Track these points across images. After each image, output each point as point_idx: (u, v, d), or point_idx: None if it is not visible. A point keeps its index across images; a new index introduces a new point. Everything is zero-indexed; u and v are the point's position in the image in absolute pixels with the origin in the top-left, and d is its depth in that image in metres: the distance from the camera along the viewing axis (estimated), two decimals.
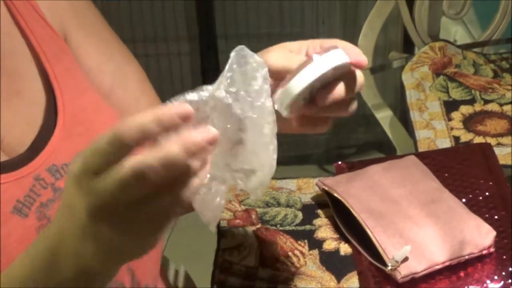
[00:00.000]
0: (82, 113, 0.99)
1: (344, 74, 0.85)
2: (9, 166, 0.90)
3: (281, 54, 0.87)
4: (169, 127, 0.65)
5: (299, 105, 0.85)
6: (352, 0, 2.71)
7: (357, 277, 1.07)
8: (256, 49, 0.84)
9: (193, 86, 0.72)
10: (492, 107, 1.56)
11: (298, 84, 0.81)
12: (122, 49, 1.13)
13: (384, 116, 2.00)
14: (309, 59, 0.83)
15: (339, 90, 0.85)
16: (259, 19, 2.76)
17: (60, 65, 0.99)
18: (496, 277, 1.04)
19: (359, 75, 0.86)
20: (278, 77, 0.85)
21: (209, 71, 2.77)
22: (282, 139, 0.86)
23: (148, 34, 2.74)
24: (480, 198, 1.18)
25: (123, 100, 1.10)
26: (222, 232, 1.16)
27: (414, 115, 1.57)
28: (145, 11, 2.74)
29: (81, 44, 1.05)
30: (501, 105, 1.56)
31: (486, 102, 1.58)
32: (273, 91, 0.82)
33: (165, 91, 1.22)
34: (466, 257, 1.06)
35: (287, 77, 0.83)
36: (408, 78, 1.69)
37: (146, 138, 0.65)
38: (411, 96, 1.64)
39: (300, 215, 1.19)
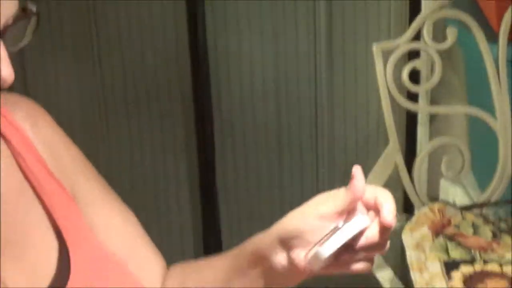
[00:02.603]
0: (93, 264, 1.01)
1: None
2: None
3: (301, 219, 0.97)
4: None
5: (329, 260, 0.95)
6: (352, 161, 2.75)
7: None
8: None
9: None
10: (492, 267, 1.57)
11: (328, 249, 0.92)
12: (114, 200, 1.15)
13: (385, 276, 2.00)
14: (336, 228, 0.93)
15: (372, 235, 0.94)
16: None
17: (68, 220, 1.01)
18: None
19: (389, 214, 0.95)
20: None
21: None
22: None
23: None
24: None
25: (119, 252, 1.11)
26: None
27: (415, 275, 1.58)
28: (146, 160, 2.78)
29: (86, 193, 1.08)
30: (501, 265, 1.57)
31: (486, 262, 1.59)
32: None
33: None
34: None
35: (316, 239, 0.94)
36: (407, 238, 1.71)
37: None
38: (411, 256, 1.65)
39: None
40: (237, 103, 2.66)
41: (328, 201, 0.96)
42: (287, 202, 2.76)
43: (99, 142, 2.59)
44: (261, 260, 1.00)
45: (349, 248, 0.94)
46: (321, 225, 0.95)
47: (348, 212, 0.95)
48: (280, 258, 0.98)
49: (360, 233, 0.93)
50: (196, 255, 2.67)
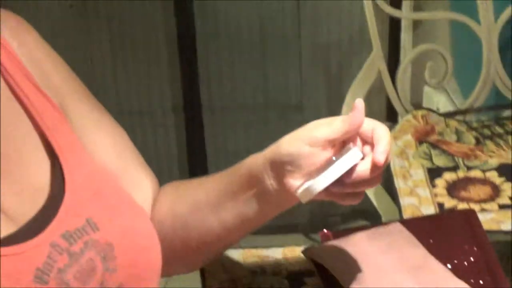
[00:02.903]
0: (88, 180, 1.00)
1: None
2: (24, 235, 0.91)
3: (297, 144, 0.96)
4: None
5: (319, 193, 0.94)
6: (336, 69, 2.74)
7: None
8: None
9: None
10: (475, 173, 1.57)
11: (319, 184, 0.92)
12: (104, 114, 1.14)
13: None
14: (330, 160, 0.93)
15: (364, 171, 0.93)
16: (243, 90, 2.78)
17: (60, 136, 1.01)
18: None
19: (381, 154, 0.93)
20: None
21: (194, 143, 2.78)
22: None
23: (133, 106, 2.76)
24: (465, 264, 1.19)
25: (109, 167, 1.11)
26: None
27: (399, 183, 1.59)
28: (131, 82, 2.76)
29: (76, 111, 1.07)
30: (484, 171, 1.58)
31: (469, 168, 1.59)
32: None
33: (151, 162, 1.24)
34: None
35: (309, 173, 0.94)
36: (391, 146, 1.71)
37: None
38: (395, 164, 1.65)
39: (286, 283, 1.19)
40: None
41: (323, 127, 0.95)
42: (272, 100, 2.77)
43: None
44: (253, 182, 1.01)
45: (339, 181, 0.93)
46: (313, 151, 0.94)
47: (342, 143, 0.95)
48: (272, 182, 0.98)
49: (352, 168, 0.93)
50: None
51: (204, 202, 1.08)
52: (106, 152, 1.10)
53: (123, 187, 1.06)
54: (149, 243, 1.03)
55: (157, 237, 1.05)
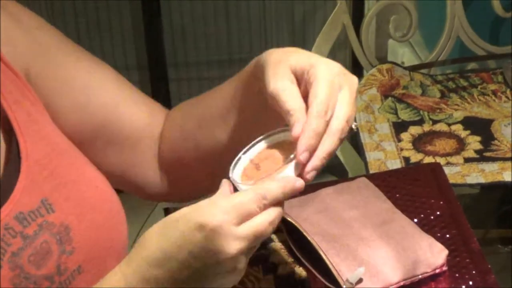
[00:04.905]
0: (45, 158, 0.97)
1: None
2: None
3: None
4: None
5: None
6: (300, 24, 2.73)
7: None
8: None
9: None
10: (441, 127, 1.58)
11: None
12: (87, 54, 1.12)
13: None
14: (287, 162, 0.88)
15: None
16: (208, 46, 2.76)
17: (21, 110, 0.97)
18: None
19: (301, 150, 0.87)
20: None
21: (159, 100, 2.76)
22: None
23: None
24: (432, 217, 1.19)
25: (105, 102, 1.10)
26: None
27: (364, 137, 1.59)
28: (93, 41, 2.74)
29: (48, 66, 1.05)
30: (449, 124, 1.58)
31: (435, 122, 1.60)
32: None
33: None
34: (420, 276, 1.06)
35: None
36: (357, 101, 1.71)
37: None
38: (361, 118, 1.65)
39: None
40: None
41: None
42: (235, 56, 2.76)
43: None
44: (255, 82, 0.96)
45: None
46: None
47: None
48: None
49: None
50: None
51: (210, 114, 1.07)
52: (100, 86, 1.10)
53: (85, 161, 1.04)
54: (111, 221, 1.02)
55: (122, 212, 1.04)
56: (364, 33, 2.09)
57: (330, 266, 1.06)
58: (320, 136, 0.87)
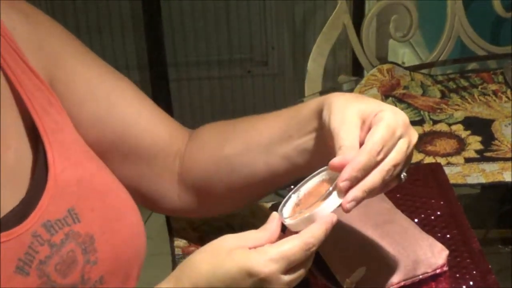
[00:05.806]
0: (71, 167, 0.98)
1: None
2: (6, 224, 0.88)
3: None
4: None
5: None
6: (300, 24, 2.73)
7: None
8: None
9: None
10: (441, 127, 1.58)
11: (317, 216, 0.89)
12: (109, 67, 1.13)
13: None
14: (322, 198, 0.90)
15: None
16: (208, 46, 2.76)
17: (48, 118, 0.98)
18: None
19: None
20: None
21: (160, 100, 2.77)
22: None
23: None
24: (432, 217, 1.19)
25: (125, 115, 1.10)
26: (177, 260, 1.15)
27: None
28: (94, 41, 2.74)
29: (70, 77, 1.05)
30: (449, 125, 1.58)
31: (435, 122, 1.60)
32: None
33: None
34: (420, 276, 1.06)
35: (305, 205, 0.91)
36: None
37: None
38: None
39: None
40: None
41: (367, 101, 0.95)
42: (236, 56, 2.75)
43: None
44: (313, 121, 0.99)
45: None
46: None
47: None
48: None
49: None
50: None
51: (256, 143, 1.07)
52: (123, 99, 1.10)
53: (108, 172, 1.05)
54: (132, 231, 1.02)
55: (141, 222, 1.04)
56: (364, 33, 2.10)
57: (331, 266, 1.06)
58: (366, 172, 0.88)
